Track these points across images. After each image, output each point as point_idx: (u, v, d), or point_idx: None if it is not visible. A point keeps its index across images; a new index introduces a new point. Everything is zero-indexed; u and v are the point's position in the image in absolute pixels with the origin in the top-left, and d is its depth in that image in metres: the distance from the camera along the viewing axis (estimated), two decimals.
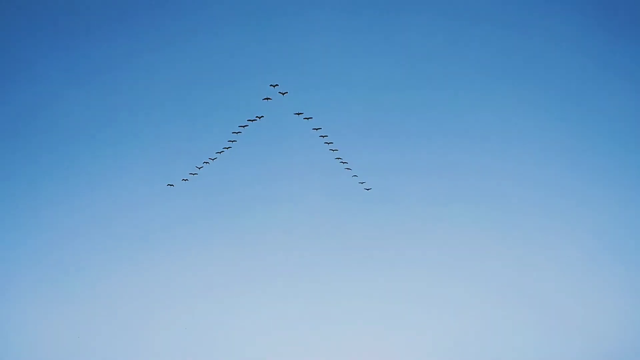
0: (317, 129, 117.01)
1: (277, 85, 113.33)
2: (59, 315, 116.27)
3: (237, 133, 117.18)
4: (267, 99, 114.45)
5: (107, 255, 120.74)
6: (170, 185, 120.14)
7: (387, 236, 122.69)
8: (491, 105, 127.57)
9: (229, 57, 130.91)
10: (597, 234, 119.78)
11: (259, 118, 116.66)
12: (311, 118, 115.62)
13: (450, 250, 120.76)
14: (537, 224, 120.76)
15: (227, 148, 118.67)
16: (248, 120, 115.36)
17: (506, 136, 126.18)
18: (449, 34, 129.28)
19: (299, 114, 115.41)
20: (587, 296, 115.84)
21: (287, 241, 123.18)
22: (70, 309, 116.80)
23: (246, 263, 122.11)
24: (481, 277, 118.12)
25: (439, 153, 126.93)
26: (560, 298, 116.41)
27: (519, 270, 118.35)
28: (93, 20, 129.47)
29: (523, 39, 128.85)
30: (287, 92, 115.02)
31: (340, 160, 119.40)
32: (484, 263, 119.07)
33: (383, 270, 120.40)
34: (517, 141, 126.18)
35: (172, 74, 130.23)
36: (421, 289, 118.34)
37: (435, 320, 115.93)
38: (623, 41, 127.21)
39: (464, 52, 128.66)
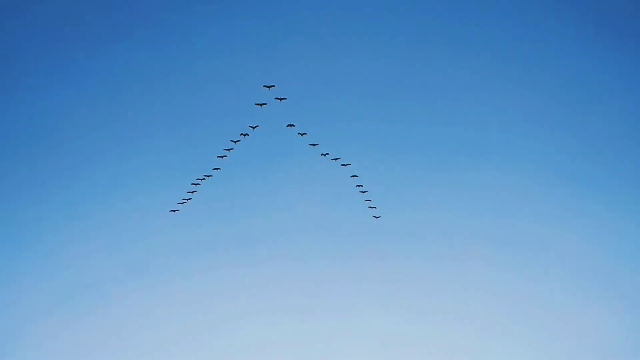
0: (313, 144, 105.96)
1: (273, 86, 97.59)
2: (63, 341, 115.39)
3: (228, 150, 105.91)
4: (262, 104, 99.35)
5: (111, 279, 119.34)
6: (175, 210, 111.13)
7: (393, 267, 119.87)
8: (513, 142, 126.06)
9: (224, 60, 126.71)
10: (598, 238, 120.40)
11: (253, 128, 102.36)
12: (305, 133, 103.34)
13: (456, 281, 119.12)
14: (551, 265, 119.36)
15: (216, 169, 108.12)
16: (241, 134, 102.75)
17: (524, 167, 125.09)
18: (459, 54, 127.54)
19: (290, 125, 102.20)
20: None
21: (289, 263, 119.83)
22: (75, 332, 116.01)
23: (247, 283, 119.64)
24: (491, 314, 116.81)
25: (442, 169, 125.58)
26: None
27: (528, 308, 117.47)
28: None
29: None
30: (285, 98, 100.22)
31: (359, 186, 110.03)
32: (494, 299, 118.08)
33: (386, 300, 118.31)
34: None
35: (165, 80, 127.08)
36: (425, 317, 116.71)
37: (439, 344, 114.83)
38: (623, 45, 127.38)
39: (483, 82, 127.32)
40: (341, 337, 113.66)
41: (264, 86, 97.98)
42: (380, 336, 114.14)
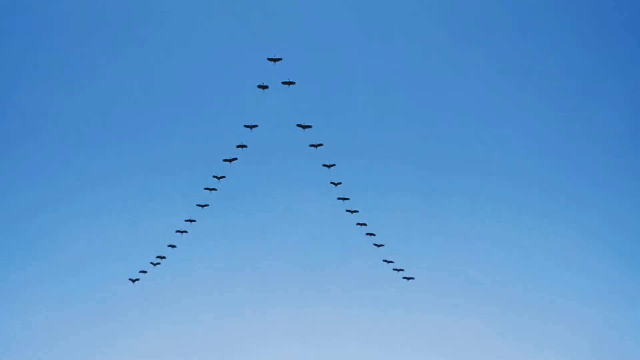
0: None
1: (279, 59, 78.43)
2: None
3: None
4: (264, 87, 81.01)
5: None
6: (135, 280, 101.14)
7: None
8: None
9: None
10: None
11: (251, 128, 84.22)
12: (322, 145, 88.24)
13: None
14: None
15: (202, 206, 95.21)
16: (238, 146, 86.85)
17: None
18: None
19: (304, 126, 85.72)
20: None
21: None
22: None
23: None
24: None
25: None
26: None
27: None
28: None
29: None
30: (294, 82, 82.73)
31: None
32: None
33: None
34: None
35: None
36: None
37: None
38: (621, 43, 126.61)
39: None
40: None
41: (269, 59, 79.75)
42: None
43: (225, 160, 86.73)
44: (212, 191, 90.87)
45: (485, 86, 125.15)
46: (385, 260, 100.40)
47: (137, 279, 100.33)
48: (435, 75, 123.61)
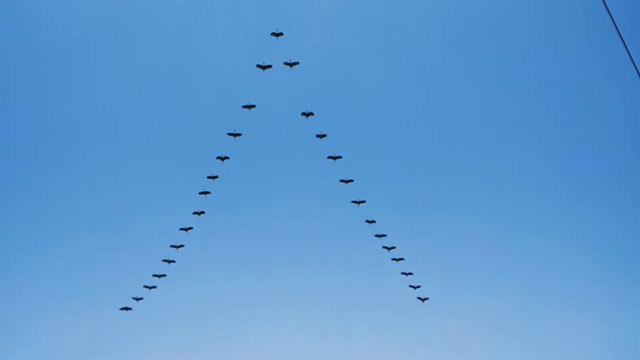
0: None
1: (281, 34, 73.91)
2: None
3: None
4: (265, 66, 74.68)
5: None
6: (127, 308, 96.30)
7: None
8: None
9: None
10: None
11: (249, 108, 77.76)
12: (326, 136, 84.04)
13: None
14: None
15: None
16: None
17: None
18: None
19: (307, 114, 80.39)
20: None
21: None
22: None
23: None
24: None
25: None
26: None
27: None
28: None
29: None
30: (297, 63, 76.75)
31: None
32: None
33: None
34: None
35: None
36: None
37: None
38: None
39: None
40: None
41: (272, 34, 74.80)
42: None
43: (218, 157, 78.83)
44: (207, 195, 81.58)
45: (507, 75, 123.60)
46: (403, 273, 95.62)
47: (130, 308, 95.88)
48: (444, 67, 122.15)
